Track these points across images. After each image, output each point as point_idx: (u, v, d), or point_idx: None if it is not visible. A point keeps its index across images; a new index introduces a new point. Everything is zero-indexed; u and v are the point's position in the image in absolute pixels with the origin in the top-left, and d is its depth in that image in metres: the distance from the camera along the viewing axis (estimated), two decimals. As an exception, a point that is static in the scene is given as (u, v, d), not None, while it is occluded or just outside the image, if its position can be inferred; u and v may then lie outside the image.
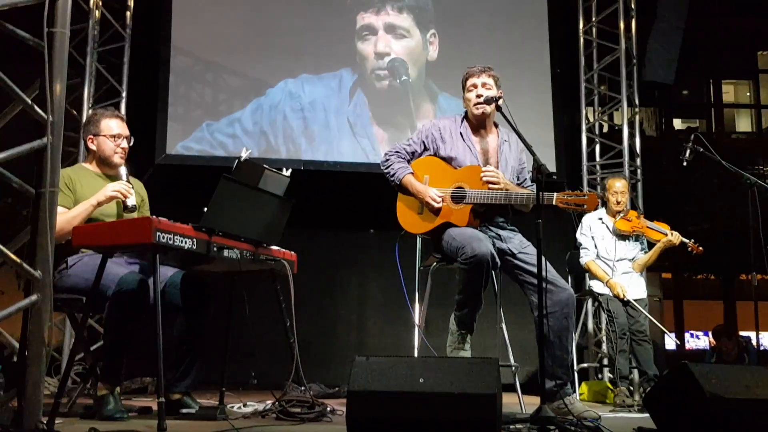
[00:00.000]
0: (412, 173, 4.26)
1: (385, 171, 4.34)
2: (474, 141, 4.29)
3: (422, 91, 7.84)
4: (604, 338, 7.48)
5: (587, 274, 6.36)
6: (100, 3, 7.07)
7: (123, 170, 3.95)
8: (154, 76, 7.28)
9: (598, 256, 6.06)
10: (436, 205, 4.13)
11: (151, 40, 7.36)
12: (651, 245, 6.03)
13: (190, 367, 3.90)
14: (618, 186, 6.10)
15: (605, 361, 7.35)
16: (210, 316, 3.93)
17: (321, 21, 7.81)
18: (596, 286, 6.04)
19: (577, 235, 6.20)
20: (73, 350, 3.99)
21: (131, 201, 3.78)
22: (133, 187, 3.85)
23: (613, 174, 7.39)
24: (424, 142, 4.36)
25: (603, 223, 6.09)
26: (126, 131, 4.05)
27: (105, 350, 3.74)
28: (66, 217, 3.64)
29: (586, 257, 6.07)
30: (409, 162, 4.34)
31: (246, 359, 5.21)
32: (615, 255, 6.01)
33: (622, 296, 5.81)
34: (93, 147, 4.02)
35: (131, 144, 4.06)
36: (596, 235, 6.07)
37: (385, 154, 4.42)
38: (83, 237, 3.33)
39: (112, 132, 3.98)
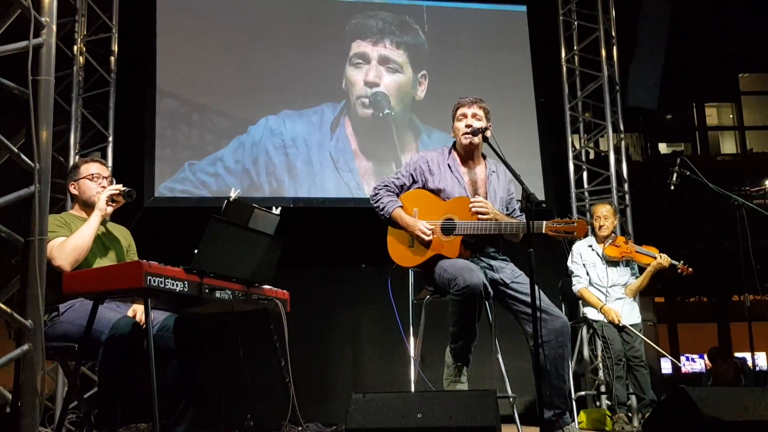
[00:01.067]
0: (402, 206, 4.27)
1: (375, 205, 4.35)
2: (462, 172, 4.30)
3: (406, 126, 7.84)
4: (600, 365, 7.46)
5: (580, 302, 6.35)
6: (84, 49, 7.09)
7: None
8: (140, 119, 7.28)
9: (590, 283, 6.06)
10: (427, 238, 4.13)
11: (137, 83, 7.36)
12: (642, 269, 6.04)
13: (186, 411, 3.85)
14: (602, 211, 6.14)
15: (603, 389, 7.32)
16: (204, 359, 3.90)
17: (309, 50, 7.83)
18: (590, 313, 6.03)
19: (568, 263, 6.21)
20: (67, 399, 3.95)
21: (122, 187, 3.90)
22: (122, 192, 3.90)
23: (601, 200, 7.43)
24: (412, 174, 4.37)
25: (593, 250, 6.11)
26: (106, 172, 4.09)
27: (100, 397, 3.69)
28: (77, 235, 3.73)
29: (578, 285, 6.07)
30: (398, 195, 4.34)
31: (241, 400, 5.17)
32: (607, 281, 6.01)
33: (617, 322, 5.81)
34: (76, 192, 4.06)
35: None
36: (587, 263, 6.08)
37: (374, 188, 4.43)
38: (74, 284, 3.32)
39: (91, 172, 4.02)
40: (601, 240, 6.11)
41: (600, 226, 6.09)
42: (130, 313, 3.64)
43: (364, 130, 7.75)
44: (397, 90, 7.87)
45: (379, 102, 7.77)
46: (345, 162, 7.59)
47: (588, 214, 7.67)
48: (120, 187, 3.91)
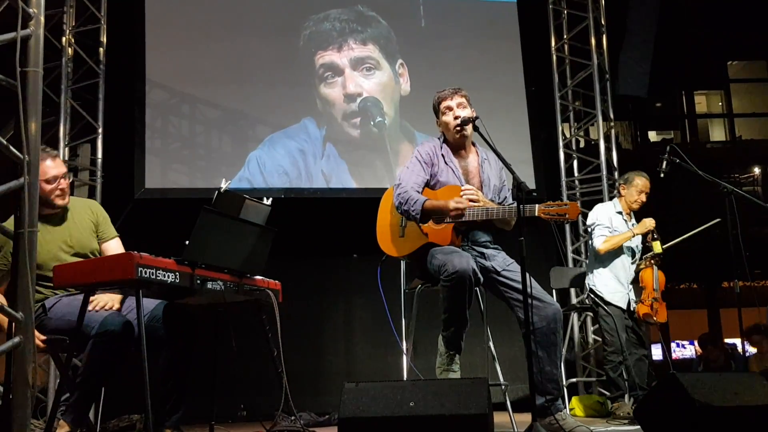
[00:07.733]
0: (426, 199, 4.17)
1: (404, 208, 4.13)
2: (456, 162, 4.30)
3: (398, 134, 7.46)
4: (593, 352, 7.49)
5: (573, 290, 6.29)
6: (73, 40, 7.06)
7: None
8: (129, 111, 7.25)
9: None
10: (466, 204, 4.00)
11: (126, 75, 7.33)
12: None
13: (179, 401, 3.85)
14: (646, 186, 5.96)
15: (593, 376, 7.36)
16: (195, 348, 3.89)
17: (277, 71, 7.45)
18: (607, 294, 5.79)
19: (593, 220, 5.88)
20: (59, 391, 3.94)
21: None
22: None
23: (590, 189, 7.39)
24: (427, 162, 4.29)
25: (623, 219, 5.90)
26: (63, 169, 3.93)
27: (78, 387, 3.57)
28: None
29: (601, 238, 5.74)
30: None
31: (234, 391, 5.17)
32: (638, 250, 5.91)
33: (652, 227, 5.69)
34: None
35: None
36: (618, 229, 5.83)
37: (398, 195, 4.19)
38: (65, 277, 3.31)
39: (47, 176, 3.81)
40: (627, 209, 5.92)
41: (637, 201, 5.91)
42: (90, 307, 3.57)
43: (356, 147, 7.37)
44: (382, 92, 7.46)
45: (369, 109, 7.38)
46: (338, 181, 7.28)
47: (617, 187, 7.32)
48: None
